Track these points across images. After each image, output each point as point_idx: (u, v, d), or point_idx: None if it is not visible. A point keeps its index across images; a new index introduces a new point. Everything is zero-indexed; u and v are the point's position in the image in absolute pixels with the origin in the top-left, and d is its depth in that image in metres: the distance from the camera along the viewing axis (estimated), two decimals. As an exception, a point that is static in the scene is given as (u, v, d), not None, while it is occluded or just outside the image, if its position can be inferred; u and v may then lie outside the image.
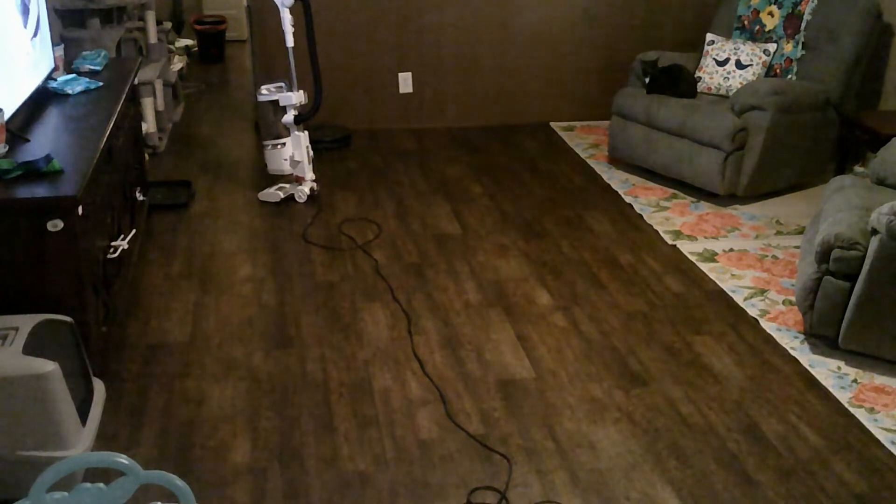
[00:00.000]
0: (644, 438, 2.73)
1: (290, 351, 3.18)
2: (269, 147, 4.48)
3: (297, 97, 4.36)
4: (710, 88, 4.97)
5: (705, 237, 4.22)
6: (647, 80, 4.91)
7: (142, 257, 3.86)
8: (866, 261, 3.01)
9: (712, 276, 3.82)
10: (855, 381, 3.05)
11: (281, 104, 4.37)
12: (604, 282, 3.76)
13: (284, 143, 4.40)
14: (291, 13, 4.28)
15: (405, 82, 5.83)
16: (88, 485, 1.50)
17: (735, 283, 3.76)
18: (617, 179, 4.98)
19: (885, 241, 2.92)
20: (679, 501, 2.46)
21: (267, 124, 4.43)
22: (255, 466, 2.56)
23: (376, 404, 2.88)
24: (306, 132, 4.51)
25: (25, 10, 3.33)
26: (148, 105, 5.07)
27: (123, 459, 1.51)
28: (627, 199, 4.70)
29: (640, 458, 2.64)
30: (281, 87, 4.43)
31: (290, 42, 4.31)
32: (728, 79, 4.91)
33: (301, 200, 4.47)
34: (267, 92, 4.37)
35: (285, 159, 4.44)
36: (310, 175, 4.51)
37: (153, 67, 5.24)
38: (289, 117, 4.38)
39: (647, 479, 2.55)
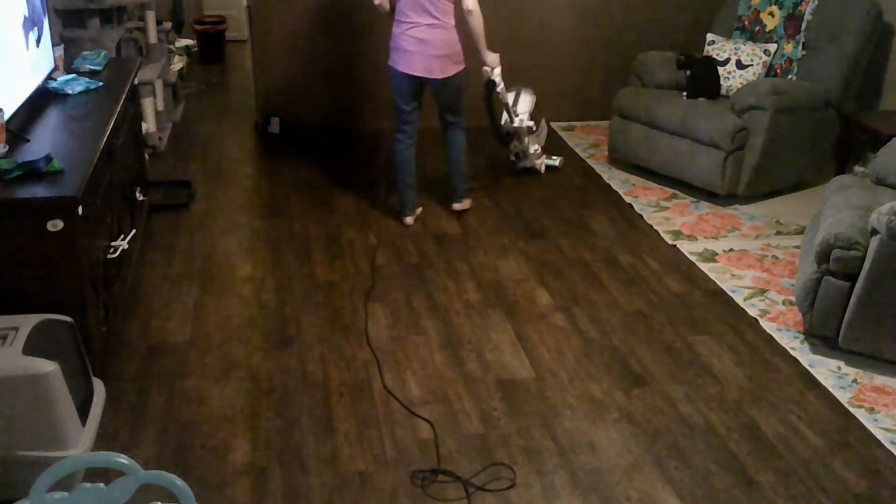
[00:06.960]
0: (644, 438, 2.73)
1: (290, 351, 3.18)
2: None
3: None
4: (710, 88, 4.97)
5: (705, 237, 4.22)
6: (686, 73, 4.79)
7: (142, 257, 3.86)
8: (866, 261, 3.01)
9: (712, 276, 3.81)
10: (855, 381, 3.05)
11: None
12: (604, 282, 3.76)
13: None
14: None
15: (405, 82, 5.81)
16: (88, 485, 1.51)
17: (735, 283, 3.76)
18: (617, 179, 4.98)
19: (885, 241, 2.92)
20: (679, 501, 2.46)
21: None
22: (255, 466, 2.57)
23: (376, 404, 2.88)
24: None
25: (30, 22, 3.33)
26: (148, 105, 5.07)
27: (123, 459, 1.51)
28: (627, 199, 4.69)
29: (640, 458, 2.64)
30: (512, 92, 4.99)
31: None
32: (728, 79, 4.91)
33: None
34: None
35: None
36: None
37: (153, 67, 5.24)
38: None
39: (647, 479, 2.55)
